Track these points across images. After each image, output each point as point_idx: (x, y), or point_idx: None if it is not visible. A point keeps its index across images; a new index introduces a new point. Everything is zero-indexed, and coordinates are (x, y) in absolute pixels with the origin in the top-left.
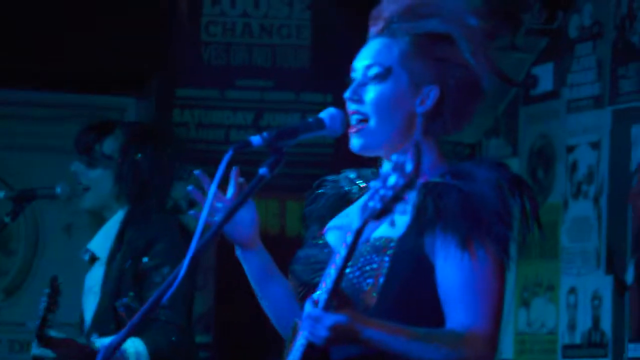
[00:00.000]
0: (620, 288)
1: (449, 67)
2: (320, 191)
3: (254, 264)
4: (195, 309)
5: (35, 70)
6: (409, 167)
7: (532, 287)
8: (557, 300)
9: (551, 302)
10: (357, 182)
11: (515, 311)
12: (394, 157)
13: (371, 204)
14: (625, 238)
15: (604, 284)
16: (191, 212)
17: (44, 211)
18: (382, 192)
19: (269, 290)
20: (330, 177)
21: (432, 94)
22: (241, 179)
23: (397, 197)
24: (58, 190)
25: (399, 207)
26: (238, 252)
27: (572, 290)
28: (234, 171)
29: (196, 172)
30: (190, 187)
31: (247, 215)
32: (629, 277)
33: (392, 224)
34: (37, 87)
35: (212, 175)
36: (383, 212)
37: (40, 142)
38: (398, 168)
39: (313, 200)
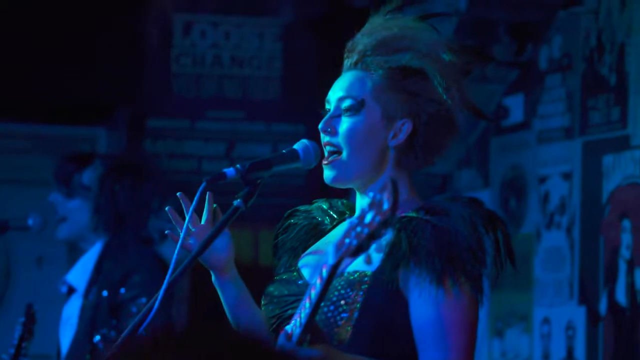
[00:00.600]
0: (593, 318)
1: (422, 101)
2: (291, 221)
3: (228, 290)
4: None
5: (4, 101)
6: (385, 205)
7: (506, 318)
8: (531, 331)
9: (525, 333)
10: (330, 213)
11: (489, 341)
12: (371, 194)
13: (347, 240)
14: (597, 268)
15: (578, 314)
16: (167, 231)
17: (16, 243)
18: (358, 229)
19: (243, 318)
20: (302, 207)
21: (404, 128)
22: (214, 205)
23: (374, 234)
24: (30, 222)
25: (375, 243)
26: (214, 279)
27: (546, 321)
28: (207, 196)
29: (178, 194)
30: (167, 208)
31: (221, 241)
32: (602, 307)
33: (369, 260)
34: (7, 119)
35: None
36: (359, 249)
37: (11, 173)
38: (375, 205)
39: (285, 230)
